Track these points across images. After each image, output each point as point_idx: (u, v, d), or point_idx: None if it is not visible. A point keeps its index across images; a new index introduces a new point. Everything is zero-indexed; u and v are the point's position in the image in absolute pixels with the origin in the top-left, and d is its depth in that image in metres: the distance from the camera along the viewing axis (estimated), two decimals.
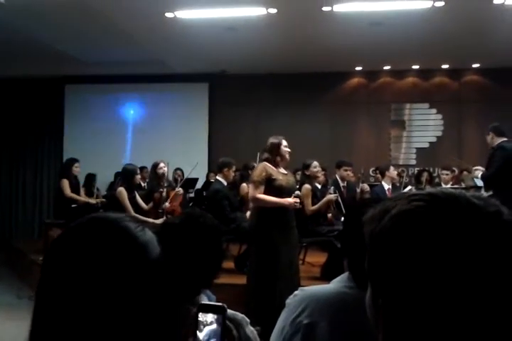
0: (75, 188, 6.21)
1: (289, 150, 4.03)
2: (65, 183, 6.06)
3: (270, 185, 3.87)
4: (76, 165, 6.22)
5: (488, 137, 5.07)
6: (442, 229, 0.55)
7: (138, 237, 0.71)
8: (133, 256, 0.68)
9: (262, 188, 3.86)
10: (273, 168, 3.95)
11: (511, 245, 0.54)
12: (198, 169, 8.22)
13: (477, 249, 0.53)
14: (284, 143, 4.02)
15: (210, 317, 0.83)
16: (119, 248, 0.68)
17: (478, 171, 5.11)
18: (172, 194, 5.86)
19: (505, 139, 4.94)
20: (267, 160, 3.99)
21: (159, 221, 5.04)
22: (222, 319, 0.83)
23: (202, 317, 0.83)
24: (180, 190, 6.00)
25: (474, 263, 0.53)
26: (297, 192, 4.04)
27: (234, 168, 5.26)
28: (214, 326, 0.83)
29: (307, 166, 5.13)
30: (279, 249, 3.81)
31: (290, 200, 3.89)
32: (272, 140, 4.03)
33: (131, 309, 0.66)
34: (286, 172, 4.09)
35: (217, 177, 5.29)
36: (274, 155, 3.97)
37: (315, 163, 5.14)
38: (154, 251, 0.71)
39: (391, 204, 0.61)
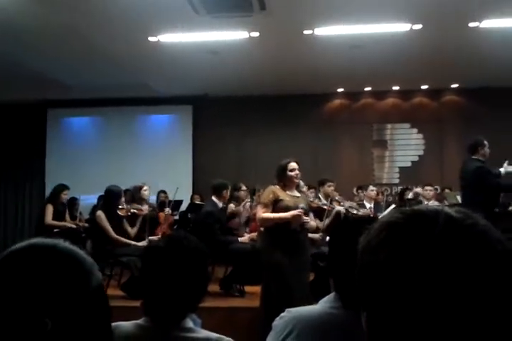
0: (60, 214, 6.15)
1: (295, 173, 3.96)
2: (49, 209, 6.00)
3: (277, 206, 3.88)
4: (65, 192, 6.20)
5: None
6: (418, 239, 0.56)
7: (84, 263, 0.71)
8: (77, 282, 0.69)
9: (269, 210, 3.89)
10: (281, 190, 3.96)
11: (485, 254, 0.55)
12: (181, 191, 8.21)
13: (451, 257, 0.54)
14: (291, 166, 3.97)
15: None
16: (63, 273, 0.68)
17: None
18: (162, 217, 5.86)
19: (472, 157, 4.93)
20: (277, 183, 4.02)
21: (142, 243, 4.97)
22: None
23: None
24: (169, 210, 6.04)
25: (447, 271, 0.54)
26: (301, 205, 3.91)
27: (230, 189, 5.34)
28: None
29: (323, 183, 5.74)
30: (286, 271, 3.75)
31: (293, 212, 3.80)
32: (279, 164, 4.04)
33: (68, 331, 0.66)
34: (298, 195, 4.05)
35: (213, 199, 5.19)
36: (279, 179, 3.99)
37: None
38: (97, 278, 0.72)
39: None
